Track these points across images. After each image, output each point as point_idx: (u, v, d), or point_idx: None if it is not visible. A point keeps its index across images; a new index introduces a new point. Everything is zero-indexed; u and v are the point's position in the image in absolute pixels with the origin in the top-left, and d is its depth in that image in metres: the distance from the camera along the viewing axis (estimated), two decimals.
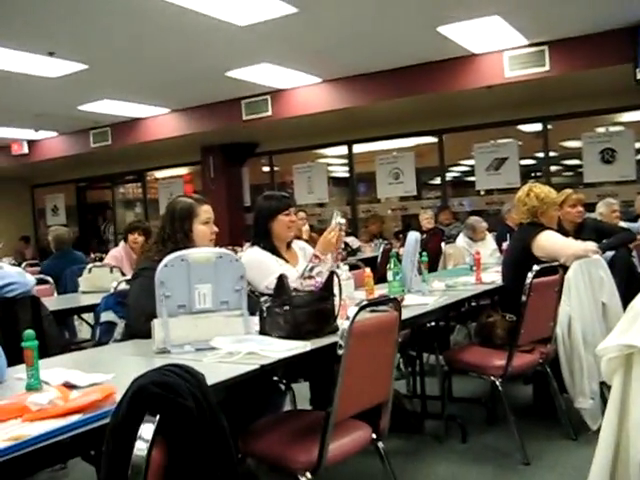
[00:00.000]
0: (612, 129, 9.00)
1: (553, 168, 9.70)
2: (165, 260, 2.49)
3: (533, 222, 4.08)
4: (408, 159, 10.59)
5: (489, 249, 6.53)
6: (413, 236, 3.93)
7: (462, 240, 6.95)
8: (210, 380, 1.74)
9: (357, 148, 11.12)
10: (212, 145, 11.31)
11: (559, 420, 3.81)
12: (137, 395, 1.49)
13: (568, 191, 5.35)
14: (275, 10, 5.75)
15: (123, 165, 13.07)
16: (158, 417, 1.45)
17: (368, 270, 3.81)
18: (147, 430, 1.44)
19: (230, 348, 2.31)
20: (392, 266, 3.68)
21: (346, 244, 7.49)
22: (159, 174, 13.41)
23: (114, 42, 6.50)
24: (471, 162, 10.06)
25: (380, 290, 3.70)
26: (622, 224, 5.92)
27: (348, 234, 8.70)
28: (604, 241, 4.92)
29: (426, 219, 8.58)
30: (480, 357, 3.76)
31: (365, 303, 2.37)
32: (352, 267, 4.17)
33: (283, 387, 3.44)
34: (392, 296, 2.97)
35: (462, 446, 3.82)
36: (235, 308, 2.57)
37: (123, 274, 5.25)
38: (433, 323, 4.42)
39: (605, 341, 1.95)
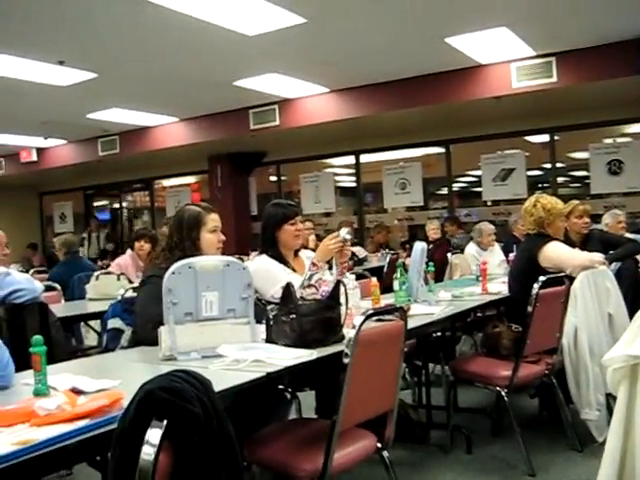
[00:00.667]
0: (619, 140, 9.00)
1: (560, 179, 9.70)
2: (172, 268, 2.50)
3: (540, 233, 4.08)
4: (415, 169, 10.61)
5: (498, 259, 6.53)
6: (419, 246, 3.94)
7: (472, 248, 6.94)
8: (216, 387, 1.75)
9: (364, 158, 11.14)
10: (220, 154, 11.35)
11: (565, 431, 3.80)
12: (145, 400, 1.50)
13: (575, 202, 5.36)
14: (284, 20, 5.78)
15: (131, 173, 13.14)
16: (165, 422, 1.46)
17: (374, 280, 3.82)
18: (154, 435, 1.45)
19: (236, 355, 2.32)
20: (398, 276, 3.69)
21: (353, 254, 7.49)
22: (167, 182, 13.46)
23: (123, 51, 6.55)
24: (478, 173, 10.07)
25: (386, 300, 3.70)
26: (628, 235, 5.91)
27: (355, 244, 8.70)
28: (611, 252, 4.91)
29: (432, 229, 8.58)
30: (486, 367, 3.76)
31: (371, 312, 2.38)
32: (359, 277, 4.17)
33: (289, 396, 3.43)
34: (398, 305, 2.98)
35: (467, 457, 3.82)
36: (242, 316, 2.58)
37: (130, 282, 5.27)
38: (439, 333, 4.42)
39: (611, 352, 1.95)
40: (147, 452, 1.43)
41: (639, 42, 6.74)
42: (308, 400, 3.56)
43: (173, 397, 1.48)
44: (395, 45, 6.81)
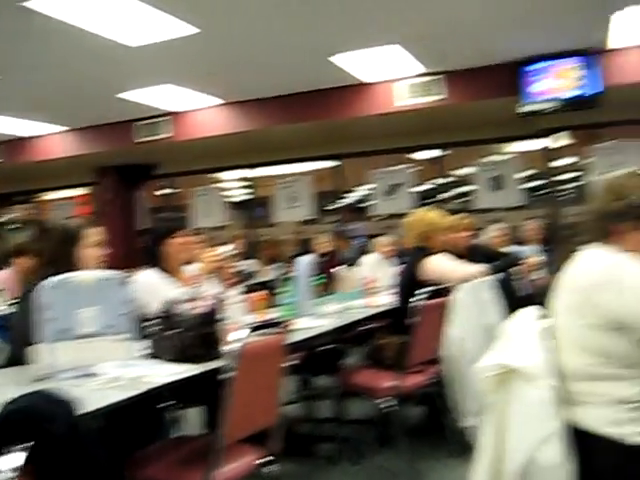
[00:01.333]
0: (501, 158, 9.40)
1: (447, 194, 10.01)
2: (48, 283, 2.41)
3: (421, 246, 4.19)
4: (306, 183, 10.69)
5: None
6: (305, 260, 3.98)
7: (371, 258, 7.05)
8: (91, 406, 1.69)
9: (257, 172, 11.12)
10: (107, 166, 11.06)
11: (447, 438, 3.90)
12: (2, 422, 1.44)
13: (457, 216, 5.53)
14: (176, 30, 5.67)
15: (14, 185, 12.58)
16: (25, 444, 1.40)
17: (262, 293, 3.82)
18: (13, 459, 1.39)
19: (115, 373, 2.26)
20: (285, 289, 3.70)
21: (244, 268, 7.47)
22: (52, 195, 12.98)
23: (3, 58, 6.28)
24: (368, 187, 10.25)
25: (274, 314, 3.70)
26: (510, 248, 6.15)
27: (246, 258, 8.68)
28: (492, 264, 5.09)
29: (322, 243, 8.65)
30: (370, 379, 3.82)
31: (249, 327, 2.38)
32: (250, 290, 4.16)
33: (175, 412, 3.37)
34: (281, 319, 2.98)
35: (354, 468, 3.86)
36: (121, 332, 2.52)
37: (13, 298, 5.04)
38: (328, 346, 4.45)
39: (483, 360, 2.02)
40: (6, 477, 1.37)
41: (515, 65, 7.09)
42: (199, 415, 3.50)
43: (32, 418, 1.42)
44: (280, 60, 6.81)
